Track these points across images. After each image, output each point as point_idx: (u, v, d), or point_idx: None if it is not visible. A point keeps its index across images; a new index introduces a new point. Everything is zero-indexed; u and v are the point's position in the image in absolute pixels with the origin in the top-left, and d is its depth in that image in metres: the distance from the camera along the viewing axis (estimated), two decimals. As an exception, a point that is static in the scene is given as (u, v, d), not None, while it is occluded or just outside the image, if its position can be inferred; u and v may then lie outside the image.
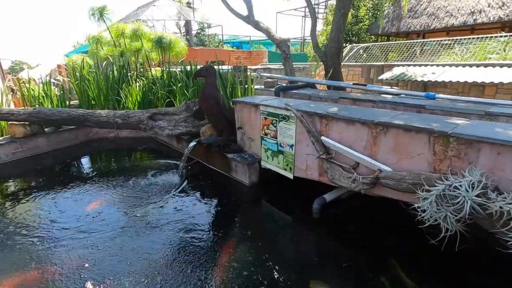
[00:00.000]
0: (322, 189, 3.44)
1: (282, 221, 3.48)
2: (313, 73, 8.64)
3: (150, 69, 7.69)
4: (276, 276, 2.45)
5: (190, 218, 3.31)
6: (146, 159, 5.43)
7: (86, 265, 2.58)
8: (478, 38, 7.67)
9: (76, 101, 7.16)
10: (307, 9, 18.47)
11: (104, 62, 7.98)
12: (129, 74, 7.26)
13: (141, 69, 8.04)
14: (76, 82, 6.83)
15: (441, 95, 3.63)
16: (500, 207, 1.78)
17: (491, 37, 7.48)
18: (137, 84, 7.07)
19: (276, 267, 2.54)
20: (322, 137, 3.07)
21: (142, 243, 2.88)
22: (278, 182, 3.92)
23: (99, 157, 5.59)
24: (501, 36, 7.32)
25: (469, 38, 7.85)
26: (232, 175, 4.28)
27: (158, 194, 3.86)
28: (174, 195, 3.85)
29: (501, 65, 6.05)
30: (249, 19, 6.17)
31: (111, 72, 6.97)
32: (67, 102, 6.69)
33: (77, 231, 3.08)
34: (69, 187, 4.11)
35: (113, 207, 3.58)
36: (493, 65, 6.18)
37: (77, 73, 6.86)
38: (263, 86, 5.87)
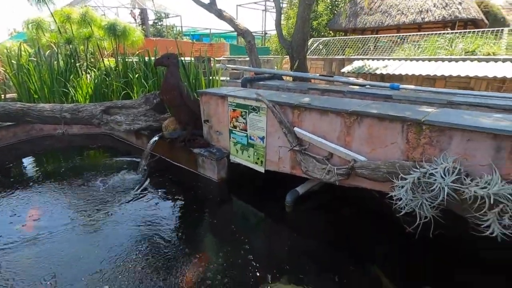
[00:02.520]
0: (295, 182, 3.37)
1: (253, 217, 3.34)
2: (276, 67, 8.59)
3: (103, 59, 7.00)
4: (248, 275, 2.30)
5: (153, 220, 3.01)
6: (101, 158, 4.91)
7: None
8: (428, 34, 8.21)
9: (13, 94, 6.27)
10: (267, 3, 18.43)
11: (48, 51, 7.08)
12: (77, 64, 6.53)
13: (92, 59, 7.30)
14: (13, 72, 5.96)
15: (404, 86, 3.74)
16: (474, 192, 1.81)
17: (439, 34, 8.05)
18: (88, 75, 6.40)
19: (248, 266, 2.39)
20: (295, 128, 2.97)
21: (96, 250, 2.54)
22: (249, 177, 3.76)
23: (45, 158, 4.93)
24: (447, 33, 7.92)
25: (421, 35, 8.38)
26: (199, 171, 4.03)
27: (115, 195, 3.48)
28: (135, 195, 3.50)
29: (449, 60, 6.52)
30: (211, 7, 5.87)
31: (55, 62, 6.20)
32: (2, 95, 5.82)
33: (11, 243, 2.64)
34: (4, 194, 3.53)
35: (57, 213, 3.13)
36: (442, 60, 6.65)
37: (13, 61, 5.97)
38: (228, 78, 5.64)
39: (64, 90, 6.10)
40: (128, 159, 4.62)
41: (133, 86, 5.92)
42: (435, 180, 1.96)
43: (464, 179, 1.92)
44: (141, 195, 3.50)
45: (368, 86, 4.11)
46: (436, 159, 2.11)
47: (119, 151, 5.10)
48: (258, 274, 2.31)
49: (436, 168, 2.01)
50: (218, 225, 3.05)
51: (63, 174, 4.10)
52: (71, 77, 6.19)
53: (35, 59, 6.18)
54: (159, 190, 3.64)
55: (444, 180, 1.91)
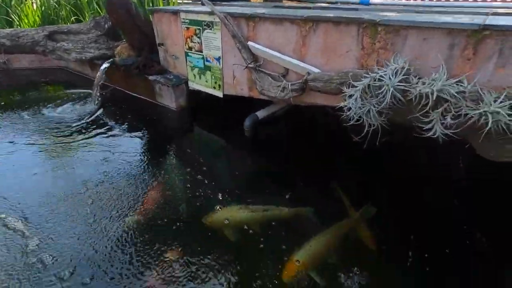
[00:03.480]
0: (256, 108, 3.21)
1: (213, 144, 3.24)
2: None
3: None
4: (203, 198, 2.27)
5: (108, 151, 2.85)
6: (52, 91, 4.53)
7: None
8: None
9: None
10: None
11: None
12: (19, -13, 5.68)
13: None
14: None
15: (375, 0, 3.42)
16: (419, 91, 1.70)
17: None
18: (34, 2, 5.63)
19: (210, 193, 2.32)
20: (249, 43, 2.71)
21: (43, 185, 2.41)
22: (209, 105, 3.58)
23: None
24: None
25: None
26: (157, 100, 3.79)
27: (64, 125, 3.26)
28: (86, 124, 3.29)
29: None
30: None
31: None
32: None
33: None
34: None
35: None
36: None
37: None
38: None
39: (7, 18, 5.40)
40: (82, 90, 4.28)
41: (85, 13, 5.26)
42: (383, 82, 1.83)
43: (412, 79, 1.79)
44: (95, 126, 3.28)
45: (339, 4, 3.75)
46: (388, 63, 1.95)
47: (74, 84, 4.70)
48: (212, 197, 2.27)
49: (385, 71, 1.86)
50: (175, 153, 2.93)
51: (9, 107, 3.78)
52: (12, 2, 5.43)
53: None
54: (114, 121, 3.43)
55: (391, 81, 1.78)
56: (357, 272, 1.70)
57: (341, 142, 2.71)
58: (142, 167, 2.62)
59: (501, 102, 1.56)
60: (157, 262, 1.73)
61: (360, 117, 2.04)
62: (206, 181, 2.43)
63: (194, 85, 3.54)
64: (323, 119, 3.29)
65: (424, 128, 1.80)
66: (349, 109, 2.09)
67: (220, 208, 2.13)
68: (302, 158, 2.85)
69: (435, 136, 1.77)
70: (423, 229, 2.01)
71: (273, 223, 2.01)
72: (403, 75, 1.79)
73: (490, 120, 1.54)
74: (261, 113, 3.21)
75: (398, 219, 2.12)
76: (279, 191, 2.34)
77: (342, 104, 2.13)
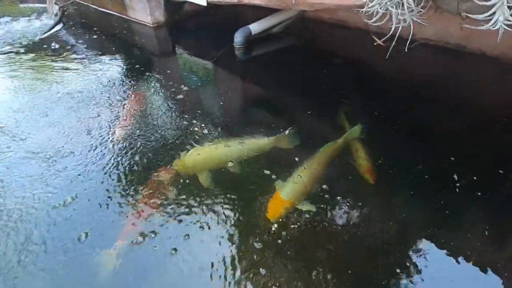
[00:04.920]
0: (248, 22, 2.60)
1: (199, 69, 2.66)
2: None
3: None
4: (201, 130, 1.81)
5: (73, 76, 2.29)
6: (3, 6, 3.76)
7: None
8: None
9: None
10: None
11: None
12: None
13: None
14: None
15: None
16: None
17: None
18: None
19: (201, 124, 1.85)
20: None
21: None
22: (191, 19, 2.94)
23: None
24: None
25: None
26: (128, 14, 3.12)
27: (16, 41, 2.66)
28: (40, 40, 2.69)
29: None
30: None
31: None
32: None
33: None
34: None
35: None
36: None
37: None
38: None
39: None
40: (38, 5, 3.53)
41: None
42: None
43: None
44: (54, 46, 2.68)
45: None
46: None
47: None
48: (193, 129, 1.81)
49: None
50: (154, 81, 2.32)
51: None
52: None
53: None
54: (76, 40, 2.81)
55: None
56: (350, 201, 1.36)
57: (347, 63, 2.20)
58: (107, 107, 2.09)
59: None
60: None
61: (387, 10, 1.51)
62: (189, 115, 1.94)
63: (171, -8, 2.85)
64: (327, 38, 2.70)
65: (481, 19, 1.29)
66: (373, 7, 1.55)
67: (190, 149, 1.65)
68: (300, 83, 2.33)
69: (495, 28, 1.27)
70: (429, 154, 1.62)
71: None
72: None
73: None
74: (254, 27, 2.62)
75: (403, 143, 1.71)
76: (274, 124, 1.88)
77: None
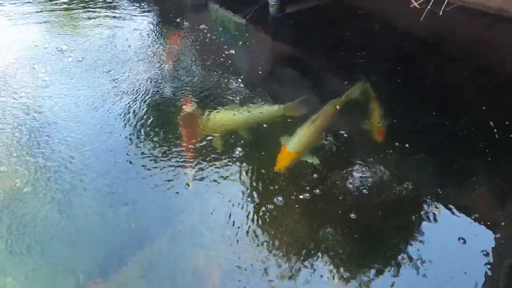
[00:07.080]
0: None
1: (231, 26, 2.71)
2: None
3: None
4: (230, 88, 1.99)
5: (116, 37, 2.47)
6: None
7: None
8: None
9: None
10: None
11: None
12: None
13: None
14: None
15: None
16: None
17: None
18: None
19: (231, 81, 2.02)
20: None
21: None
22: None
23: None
24: None
25: None
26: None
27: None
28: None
29: None
30: None
31: None
32: None
33: None
34: None
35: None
36: None
37: None
38: None
39: None
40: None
41: None
42: None
43: None
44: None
45: None
46: None
47: None
48: (224, 93, 1.96)
49: None
50: (185, 37, 2.46)
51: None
52: None
53: None
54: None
55: None
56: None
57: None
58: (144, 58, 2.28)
59: None
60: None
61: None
62: (219, 72, 2.10)
63: None
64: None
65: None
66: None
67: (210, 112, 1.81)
68: (331, 43, 2.39)
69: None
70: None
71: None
72: None
73: None
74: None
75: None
76: (303, 86, 2.02)
77: None
